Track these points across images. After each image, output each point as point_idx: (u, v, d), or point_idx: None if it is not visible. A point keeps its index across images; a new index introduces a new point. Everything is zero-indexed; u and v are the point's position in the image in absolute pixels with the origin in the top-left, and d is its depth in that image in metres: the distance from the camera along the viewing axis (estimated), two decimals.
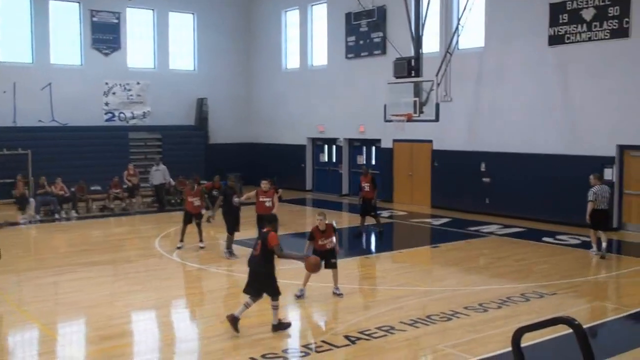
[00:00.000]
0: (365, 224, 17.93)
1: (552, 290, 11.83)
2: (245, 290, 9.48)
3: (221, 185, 18.63)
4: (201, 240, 15.89)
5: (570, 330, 4.29)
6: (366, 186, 17.65)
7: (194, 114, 29.69)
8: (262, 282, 9.32)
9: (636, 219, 18.03)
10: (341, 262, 14.57)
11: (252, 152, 31.09)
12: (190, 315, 11.00)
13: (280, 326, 9.44)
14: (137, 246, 16.88)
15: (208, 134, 29.67)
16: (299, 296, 11.22)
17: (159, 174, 23.61)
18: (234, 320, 9.29)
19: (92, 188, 23.93)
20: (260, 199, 14.71)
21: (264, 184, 14.73)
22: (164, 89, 28.52)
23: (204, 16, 30.05)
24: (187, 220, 15.94)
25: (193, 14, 29.97)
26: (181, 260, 14.62)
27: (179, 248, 15.61)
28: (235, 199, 14.77)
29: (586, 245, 15.89)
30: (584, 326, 4.36)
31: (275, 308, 9.42)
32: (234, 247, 14.99)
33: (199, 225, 15.94)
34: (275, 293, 9.37)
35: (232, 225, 14.90)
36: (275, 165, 29.43)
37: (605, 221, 15.21)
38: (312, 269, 9.94)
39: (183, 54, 29.85)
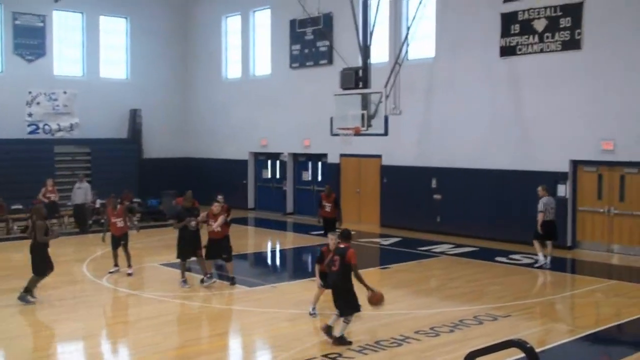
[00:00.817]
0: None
1: (505, 312, 12.08)
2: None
3: (227, 207, 17.57)
4: (129, 266, 15.33)
5: (523, 355, 4.41)
6: (327, 206, 17.97)
7: (126, 126, 29.31)
8: (342, 298, 10.11)
9: (590, 237, 18.59)
10: (285, 286, 14.60)
11: (189, 167, 30.86)
12: (122, 345, 10.82)
13: (343, 341, 10.04)
14: (61, 271, 16.47)
15: (142, 148, 29.32)
16: (313, 314, 11.72)
17: (81, 192, 23.05)
18: (327, 330, 10.10)
19: (13, 207, 23.34)
20: (210, 223, 14.16)
21: (216, 206, 14.17)
22: (94, 99, 28.04)
23: (138, 21, 29.80)
24: (115, 244, 15.47)
25: (126, 18, 29.69)
26: (112, 286, 14.38)
27: (111, 272, 15.29)
28: (192, 222, 14.22)
29: (542, 265, 16.33)
30: (538, 350, 4.50)
31: (346, 322, 10.12)
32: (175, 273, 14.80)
33: (125, 247, 15.40)
34: (348, 311, 10.07)
35: (187, 251, 14.35)
36: (215, 182, 29.20)
37: (553, 232, 16.46)
38: (377, 303, 10.34)
39: (115, 62, 29.50)
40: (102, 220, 17.52)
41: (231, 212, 15.44)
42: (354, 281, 10.23)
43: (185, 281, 14.18)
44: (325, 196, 18.14)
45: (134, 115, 29.21)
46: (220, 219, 14.11)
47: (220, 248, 14.23)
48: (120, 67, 29.77)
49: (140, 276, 15.36)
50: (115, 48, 29.52)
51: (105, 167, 27.19)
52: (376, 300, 10.32)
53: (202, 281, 14.22)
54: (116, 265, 15.49)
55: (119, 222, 15.44)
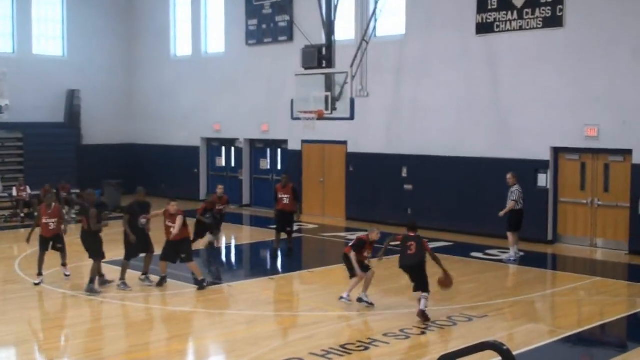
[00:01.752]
0: (280, 239, 17.77)
1: (481, 313, 12.23)
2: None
3: (227, 199, 17.83)
4: (64, 265, 14.75)
5: (500, 357, 4.47)
6: (285, 198, 17.50)
7: (63, 108, 28.91)
8: (421, 277, 11.89)
9: (572, 230, 18.89)
10: (241, 285, 14.59)
11: (134, 154, 30.57)
12: (60, 352, 10.70)
13: (424, 316, 11.64)
14: None
15: (81, 133, 28.97)
16: (346, 299, 12.64)
17: None
18: (423, 314, 11.65)
19: None
20: (167, 223, 13.95)
21: (172, 206, 13.91)
22: (26, 79, 27.57)
23: None
24: (43, 247, 14.46)
25: None
26: (47, 287, 14.18)
27: (37, 284, 14.26)
28: (142, 220, 14.01)
29: (521, 261, 16.58)
30: (515, 352, 4.57)
31: (425, 299, 11.78)
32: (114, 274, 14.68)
33: (62, 250, 14.68)
34: (427, 287, 11.87)
35: (133, 250, 14.18)
36: (163, 171, 29.03)
37: (521, 222, 17.04)
38: (448, 286, 12.15)
39: (49, 37, 29.04)
40: (36, 214, 17.09)
41: (229, 206, 15.74)
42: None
43: (125, 283, 13.91)
44: (281, 187, 17.78)
45: (72, 96, 28.82)
46: (179, 221, 13.84)
47: (177, 249, 14.06)
48: (56, 43, 29.29)
49: (80, 276, 15.18)
50: (50, 21, 29.03)
51: (39, 155, 26.80)
52: (448, 282, 12.07)
53: (141, 279, 14.24)
54: (40, 274, 14.34)
55: (52, 224, 14.41)
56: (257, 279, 15.19)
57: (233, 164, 27.65)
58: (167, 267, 14.11)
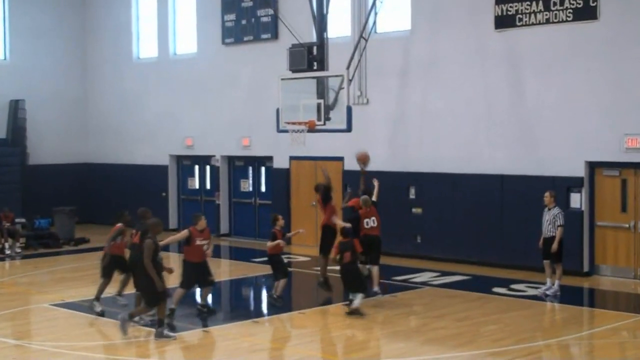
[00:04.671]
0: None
1: (506, 359, 12.19)
2: None
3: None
4: None
5: None
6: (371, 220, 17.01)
7: (5, 123, 28.91)
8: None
9: (612, 260, 18.88)
10: (219, 330, 14.53)
11: (90, 176, 30.54)
12: None
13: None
14: None
15: (26, 152, 28.94)
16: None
17: None
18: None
19: None
20: (197, 242, 14.88)
21: (203, 220, 15.04)
22: None
23: None
24: None
25: None
26: None
27: None
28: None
29: (552, 298, 16.59)
30: None
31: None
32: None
33: None
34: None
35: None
36: (125, 195, 28.89)
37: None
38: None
39: None
40: None
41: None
42: None
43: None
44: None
45: (15, 108, 28.81)
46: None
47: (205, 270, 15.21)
48: None
49: (26, 321, 15.12)
50: None
51: None
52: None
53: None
54: None
55: None
56: (239, 323, 15.13)
57: (208, 186, 27.61)
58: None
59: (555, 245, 16.62)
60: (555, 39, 19.20)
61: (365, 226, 16.55)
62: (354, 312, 14.93)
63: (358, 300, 15.01)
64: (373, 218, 16.64)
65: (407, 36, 21.95)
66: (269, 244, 15.82)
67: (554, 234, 16.70)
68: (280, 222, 16.10)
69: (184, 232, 15.07)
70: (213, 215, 26.90)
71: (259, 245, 24.21)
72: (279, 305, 15.80)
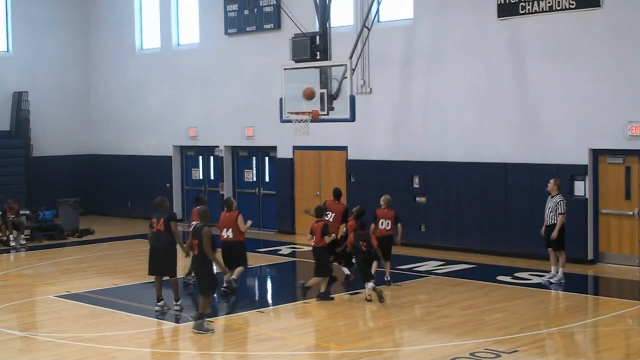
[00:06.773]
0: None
1: (511, 347, 12.21)
2: None
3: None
4: None
5: None
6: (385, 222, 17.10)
7: (8, 114, 28.96)
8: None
9: (616, 247, 18.88)
10: (226, 319, 14.56)
11: (93, 167, 30.58)
12: None
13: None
14: None
15: (30, 143, 29.00)
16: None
17: None
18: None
19: None
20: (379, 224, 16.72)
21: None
22: None
23: None
24: None
25: None
26: None
27: None
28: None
29: (556, 285, 16.60)
30: None
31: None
32: None
33: None
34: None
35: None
36: (128, 186, 28.96)
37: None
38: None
39: None
40: None
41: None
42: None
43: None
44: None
45: (19, 100, 28.86)
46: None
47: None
48: (0, 38, 29.41)
49: (32, 312, 15.16)
50: None
51: None
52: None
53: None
54: None
55: None
56: (245, 313, 15.17)
57: (212, 176, 27.64)
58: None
59: (555, 233, 16.67)
60: (558, 26, 19.16)
61: (380, 226, 16.75)
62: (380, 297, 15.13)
63: (370, 285, 15.31)
64: (389, 221, 16.82)
65: (410, 25, 21.93)
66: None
67: (555, 222, 16.75)
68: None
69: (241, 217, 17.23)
70: (217, 204, 26.93)
71: (263, 235, 24.32)
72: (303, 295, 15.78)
